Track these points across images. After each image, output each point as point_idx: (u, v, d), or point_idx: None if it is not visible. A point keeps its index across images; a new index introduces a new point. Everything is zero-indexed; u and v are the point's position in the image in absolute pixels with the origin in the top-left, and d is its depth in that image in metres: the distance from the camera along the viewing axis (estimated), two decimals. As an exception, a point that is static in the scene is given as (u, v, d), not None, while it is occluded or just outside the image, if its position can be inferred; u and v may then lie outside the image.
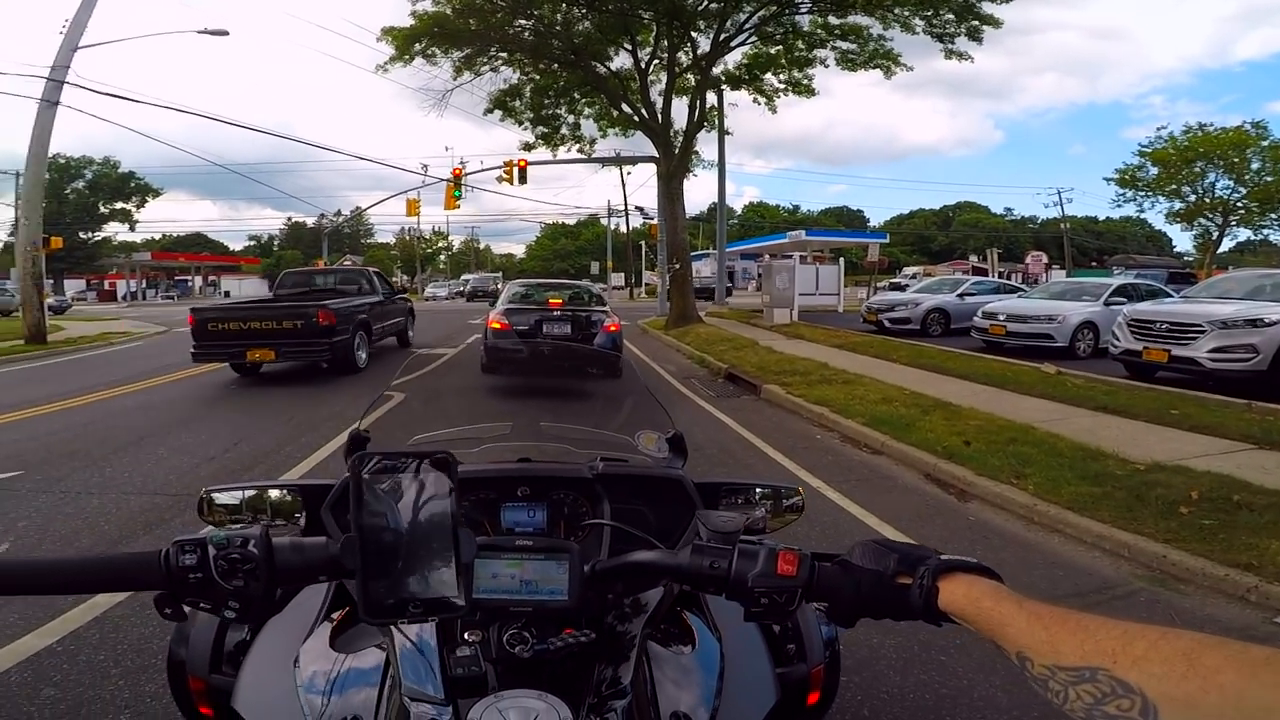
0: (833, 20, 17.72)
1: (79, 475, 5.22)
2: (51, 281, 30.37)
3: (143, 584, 0.78)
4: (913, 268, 55.18)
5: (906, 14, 16.56)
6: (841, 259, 27.82)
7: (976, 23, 16.58)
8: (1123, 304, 11.72)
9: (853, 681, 2.58)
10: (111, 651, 2.75)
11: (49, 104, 15.68)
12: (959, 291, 17.31)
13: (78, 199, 51.94)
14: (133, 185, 54.49)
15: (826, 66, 19.00)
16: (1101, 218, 79.78)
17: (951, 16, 16.47)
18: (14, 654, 2.71)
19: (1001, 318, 13.15)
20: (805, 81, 19.55)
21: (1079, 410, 7.16)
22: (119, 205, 54.85)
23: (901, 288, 26.91)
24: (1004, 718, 2.46)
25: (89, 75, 28.27)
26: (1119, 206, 40.50)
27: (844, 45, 18.20)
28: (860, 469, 5.74)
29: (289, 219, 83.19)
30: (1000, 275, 35.84)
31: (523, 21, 17.71)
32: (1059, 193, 54.62)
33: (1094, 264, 62.15)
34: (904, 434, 6.20)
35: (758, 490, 1.48)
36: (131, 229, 57.28)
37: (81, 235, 50.39)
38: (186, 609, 0.80)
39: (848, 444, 6.52)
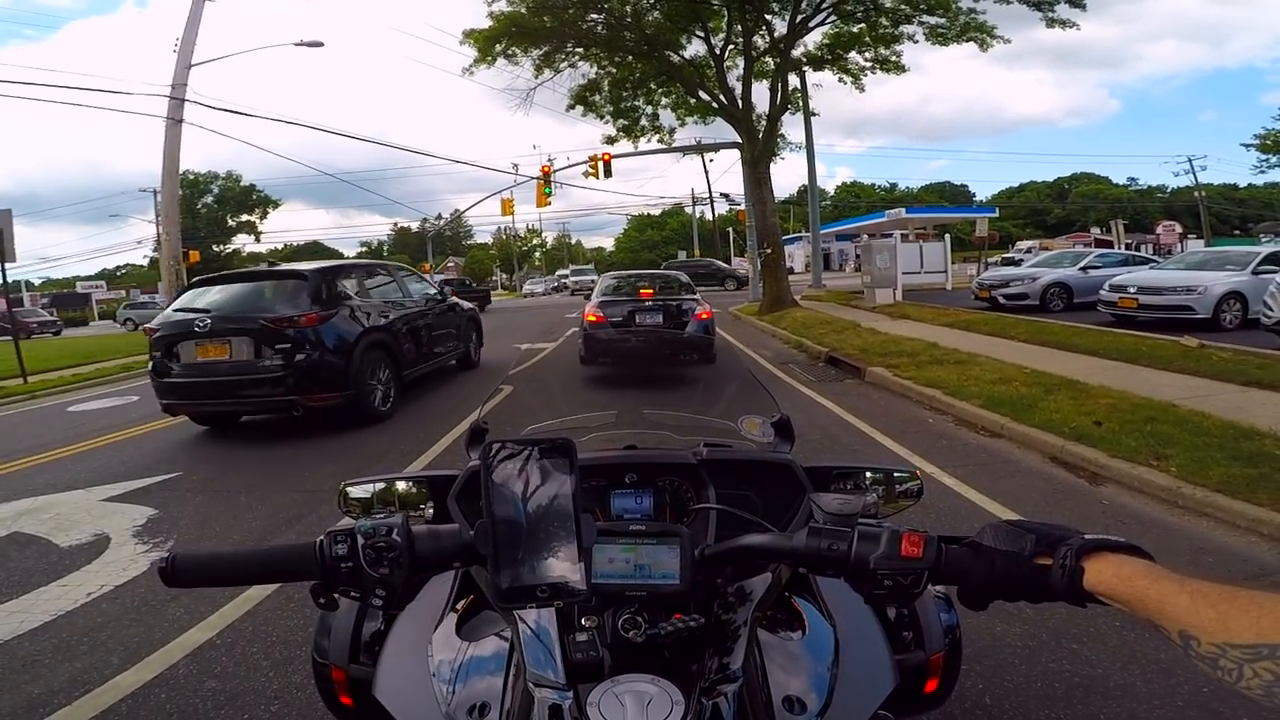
0: None
1: (228, 475, 5.70)
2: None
3: (301, 574, 0.84)
4: (1027, 242, 51.79)
5: None
6: (947, 235, 26.39)
7: None
8: (1274, 273, 10.55)
9: (974, 670, 2.48)
10: (263, 644, 2.93)
11: (175, 121, 16.90)
12: (1081, 264, 16.16)
13: (208, 213, 54.94)
14: (254, 198, 57.57)
15: (915, 42, 18.14)
16: (1243, 184, 72.60)
17: None
18: (183, 646, 2.95)
19: (1132, 290, 12.13)
20: (893, 58, 18.72)
21: (1227, 386, 6.50)
22: (244, 218, 57.98)
23: (1015, 262, 25.32)
24: (1143, 706, 2.30)
25: (205, 93, 30.69)
26: (1262, 172, 36.61)
27: (931, 20, 17.25)
28: (978, 453, 5.45)
29: (395, 224, 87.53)
30: (1128, 247, 33.11)
31: (594, 15, 17.81)
32: (1190, 160, 49.61)
33: (1237, 232, 56.75)
34: (1026, 415, 5.83)
35: (868, 474, 1.45)
36: (257, 240, 60.63)
37: (215, 248, 53.38)
38: (338, 598, 0.85)
39: (963, 427, 6.21)
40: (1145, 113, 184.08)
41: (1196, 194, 51.05)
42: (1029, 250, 38.38)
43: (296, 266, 7.99)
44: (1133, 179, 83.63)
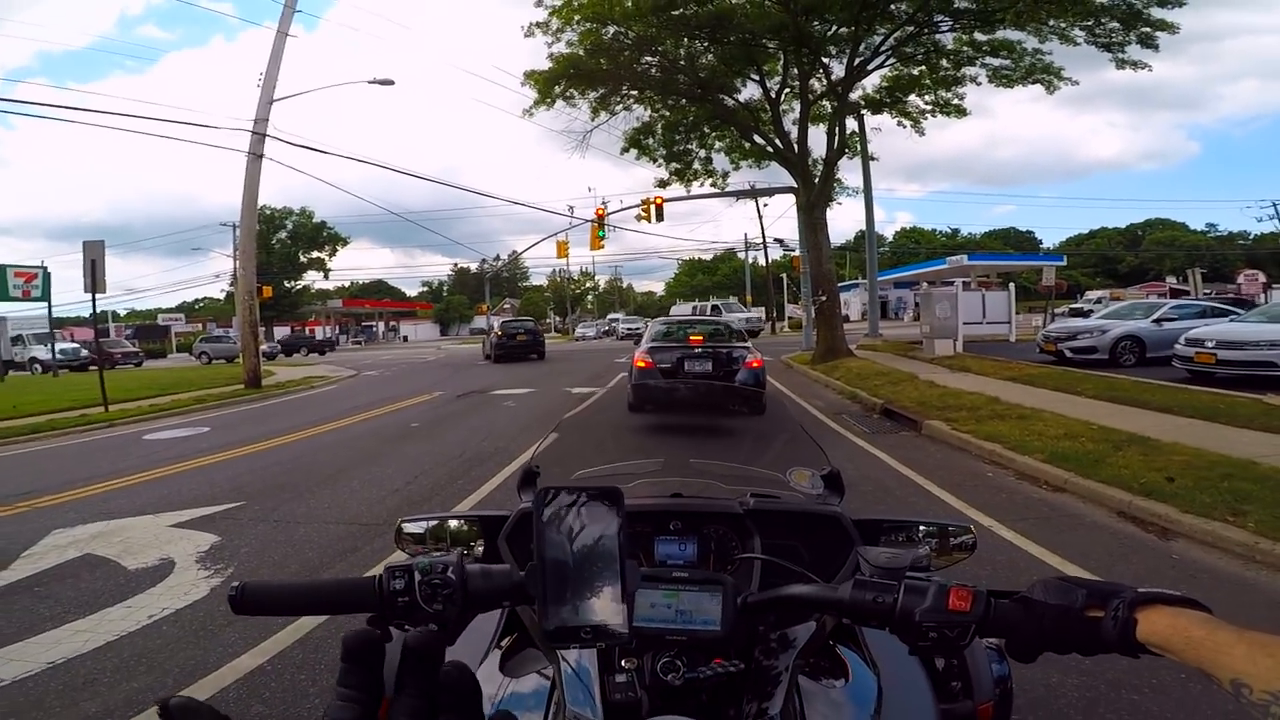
0: (979, 37, 16.57)
1: (288, 506, 5.93)
2: (264, 329, 34.09)
3: (360, 606, 0.87)
4: (1097, 291, 49.61)
5: (1064, 25, 15.16)
6: (1011, 284, 25.61)
7: (1148, 29, 14.85)
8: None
9: (1026, 721, 2.38)
10: (311, 672, 3.02)
11: (255, 156, 17.50)
12: (1155, 316, 15.27)
13: (282, 249, 55.52)
14: (325, 235, 58.11)
15: (978, 84, 17.89)
16: (1333, 229, 68.27)
17: (1117, 25, 14.89)
18: (235, 670, 3.06)
19: (1210, 344, 11.44)
20: (955, 101, 18.47)
21: (1316, 446, 6.08)
22: (315, 254, 58.51)
23: (1084, 314, 24.39)
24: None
25: (282, 128, 32.31)
26: (1354, 218, 34.34)
27: (995, 62, 16.97)
28: (1040, 507, 5.23)
29: (455, 265, 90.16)
30: (1205, 297, 31.55)
31: (649, 58, 18.05)
32: (1274, 205, 46.90)
33: (1327, 281, 53.22)
34: (1092, 470, 5.58)
35: (921, 528, 1.43)
36: (326, 277, 61.59)
37: (286, 284, 54.31)
38: (393, 631, 0.87)
39: (1024, 481, 5.97)
40: (1226, 155, 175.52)
41: (1281, 240, 48.36)
42: (1099, 301, 36.81)
43: (527, 319, 33.60)
44: (1212, 225, 79.70)
